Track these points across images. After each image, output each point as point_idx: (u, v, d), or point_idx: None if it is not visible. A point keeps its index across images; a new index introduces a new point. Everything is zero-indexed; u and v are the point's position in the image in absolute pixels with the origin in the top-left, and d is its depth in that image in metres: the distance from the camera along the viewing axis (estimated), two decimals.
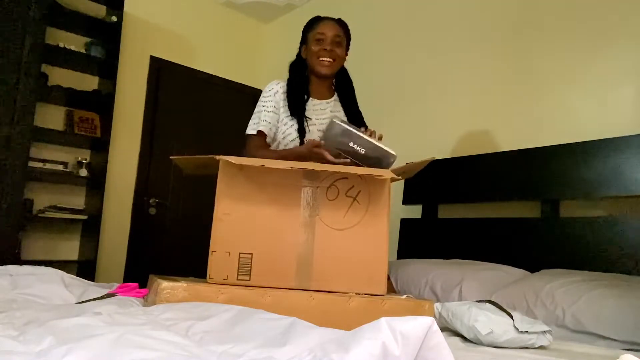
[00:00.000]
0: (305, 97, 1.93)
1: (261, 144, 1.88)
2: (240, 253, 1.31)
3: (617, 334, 1.54)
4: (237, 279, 1.30)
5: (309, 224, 1.33)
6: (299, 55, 2.00)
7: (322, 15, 2.01)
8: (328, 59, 1.89)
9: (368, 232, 1.34)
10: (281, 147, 1.89)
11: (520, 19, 2.60)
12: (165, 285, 1.20)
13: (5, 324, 0.96)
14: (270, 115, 1.88)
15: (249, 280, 1.30)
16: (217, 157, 1.31)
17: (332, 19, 1.97)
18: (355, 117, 1.99)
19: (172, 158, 1.46)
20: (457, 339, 1.41)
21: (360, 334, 0.63)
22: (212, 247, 1.31)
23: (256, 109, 1.93)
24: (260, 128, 1.87)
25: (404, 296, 1.37)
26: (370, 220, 1.34)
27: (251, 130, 1.90)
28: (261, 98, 1.93)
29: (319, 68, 1.91)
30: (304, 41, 1.99)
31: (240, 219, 1.33)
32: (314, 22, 1.97)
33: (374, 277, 1.33)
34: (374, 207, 1.35)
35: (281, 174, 1.35)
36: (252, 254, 1.31)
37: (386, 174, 1.31)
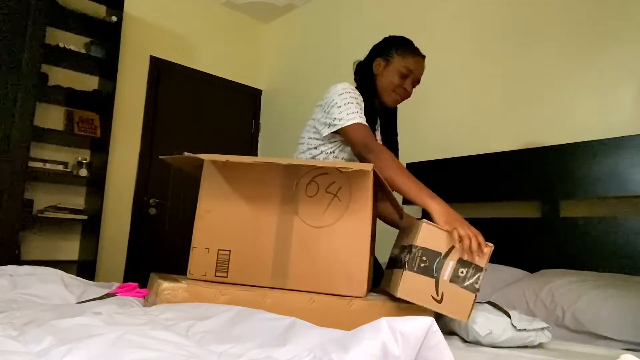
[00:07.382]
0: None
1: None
2: (218, 250, 1.30)
3: (617, 334, 1.54)
4: (215, 276, 1.28)
5: (286, 221, 1.30)
6: (370, 69, 1.78)
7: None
8: (401, 98, 1.77)
9: (348, 230, 1.27)
10: (330, 145, 1.69)
11: (520, 18, 2.60)
12: (165, 285, 1.19)
13: (5, 324, 0.96)
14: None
15: (227, 277, 1.28)
16: (199, 155, 1.28)
17: (424, 57, 1.77)
18: (392, 134, 1.90)
19: (162, 158, 1.44)
20: (457, 339, 1.41)
21: (360, 334, 0.63)
22: (193, 243, 1.31)
23: (347, 100, 1.59)
24: (362, 121, 1.57)
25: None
26: (351, 217, 1.28)
27: (358, 119, 1.56)
28: (347, 92, 1.62)
29: (388, 100, 1.76)
30: (382, 54, 1.77)
31: (220, 215, 1.31)
32: (409, 52, 1.74)
33: (354, 277, 1.26)
34: (355, 204, 1.28)
35: (261, 169, 1.32)
36: (230, 250, 1.29)
37: (368, 167, 1.24)
